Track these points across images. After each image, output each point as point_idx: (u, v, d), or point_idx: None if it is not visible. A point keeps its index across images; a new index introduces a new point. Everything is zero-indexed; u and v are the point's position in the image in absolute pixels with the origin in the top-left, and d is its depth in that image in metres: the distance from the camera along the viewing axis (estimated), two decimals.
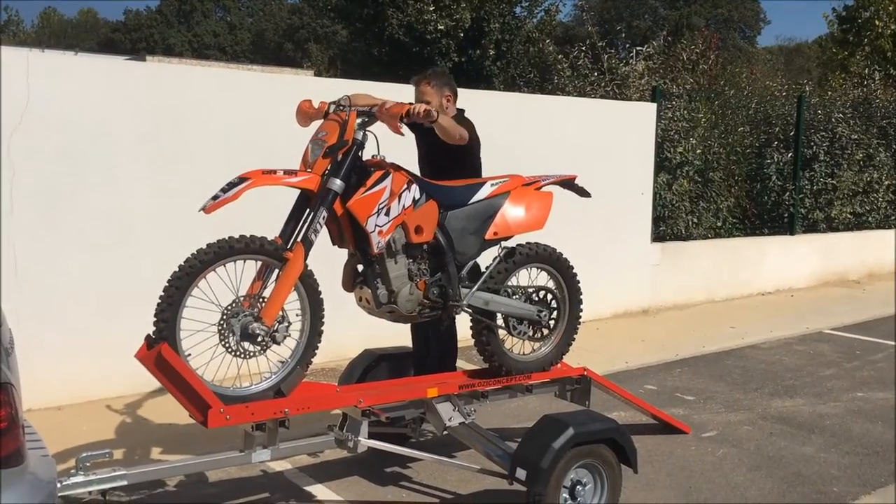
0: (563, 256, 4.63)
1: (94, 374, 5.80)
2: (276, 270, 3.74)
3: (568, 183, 4.79)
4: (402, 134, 3.98)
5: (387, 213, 3.93)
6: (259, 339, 3.63)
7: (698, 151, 9.88)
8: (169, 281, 3.54)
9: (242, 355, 3.66)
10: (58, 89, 5.58)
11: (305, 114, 4.24)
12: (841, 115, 11.66)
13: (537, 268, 4.61)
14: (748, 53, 42.97)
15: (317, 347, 3.89)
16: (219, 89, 6.36)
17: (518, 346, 4.67)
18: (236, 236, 3.63)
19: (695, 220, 10.03)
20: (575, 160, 8.16)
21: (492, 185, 4.39)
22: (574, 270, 4.70)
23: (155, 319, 3.52)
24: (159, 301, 3.52)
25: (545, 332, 4.64)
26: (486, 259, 4.51)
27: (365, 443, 4.02)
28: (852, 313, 9.43)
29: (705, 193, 10.13)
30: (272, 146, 6.52)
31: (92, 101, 5.71)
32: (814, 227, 11.69)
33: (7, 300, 5.42)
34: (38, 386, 5.56)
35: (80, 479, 3.36)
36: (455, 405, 4.37)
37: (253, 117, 6.41)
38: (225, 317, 3.63)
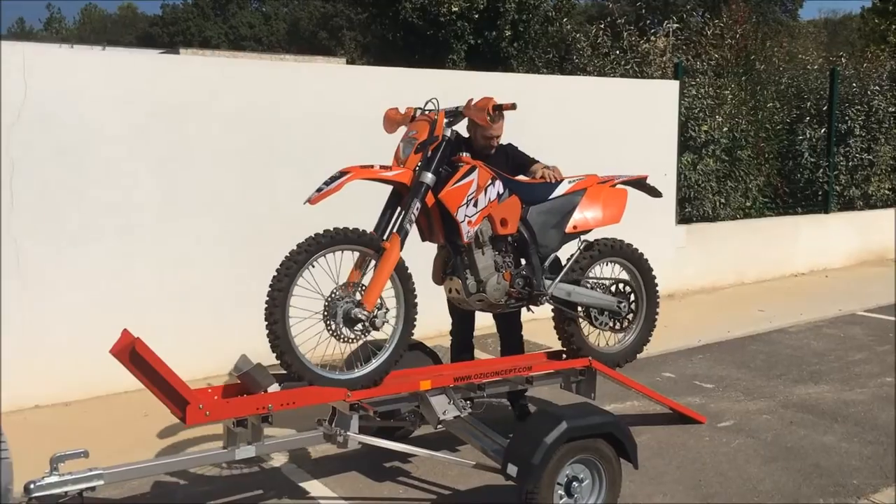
0: (640, 251, 4.87)
1: (103, 369, 5.77)
2: (373, 261, 3.92)
3: (639, 182, 4.98)
4: (490, 124, 4.33)
5: (475, 205, 4.17)
6: (360, 323, 3.80)
7: (725, 129, 9.56)
8: (277, 269, 3.73)
9: (344, 339, 3.85)
10: (55, 83, 5.53)
11: (392, 120, 4.46)
12: (877, 87, 11.20)
13: (614, 262, 4.84)
14: (789, 27, 41.83)
15: (411, 335, 4.05)
16: (222, 79, 6.26)
17: (595, 340, 4.85)
18: (337, 228, 3.84)
19: (722, 200, 9.72)
20: (593, 141, 7.94)
21: (569, 182, 4.65)
22: (650, 265, 4.92)
23: (266, 305, 3.70)
24: (269, 287, 3.71)
25: (625, 323, 4.84)
26: (565, 254, 4.72)
27: (354, 438, 3.90)
28: (889, 294, 9.05)
29: (733, 173, 9.80)
30: (280, 137, 6.45)
31: (91, 94, 5.66)
32: (850, 204, 11.28)
33: (10, 296, 5.42)
34: (46, 381, 5.59)
35: (53, 479, 3.28)
36: (450, 398, 4.24)
37: (257, 107, 6.31)
38: (328, 302, 3.81)
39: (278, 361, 3.79)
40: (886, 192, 11.58)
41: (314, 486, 4.39)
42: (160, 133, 5.94)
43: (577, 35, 10.98)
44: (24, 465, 3.38)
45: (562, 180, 4.67)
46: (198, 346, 6.01)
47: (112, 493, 4.16)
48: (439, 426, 4.22)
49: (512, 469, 3.65)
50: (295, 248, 3.76)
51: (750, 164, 9.98)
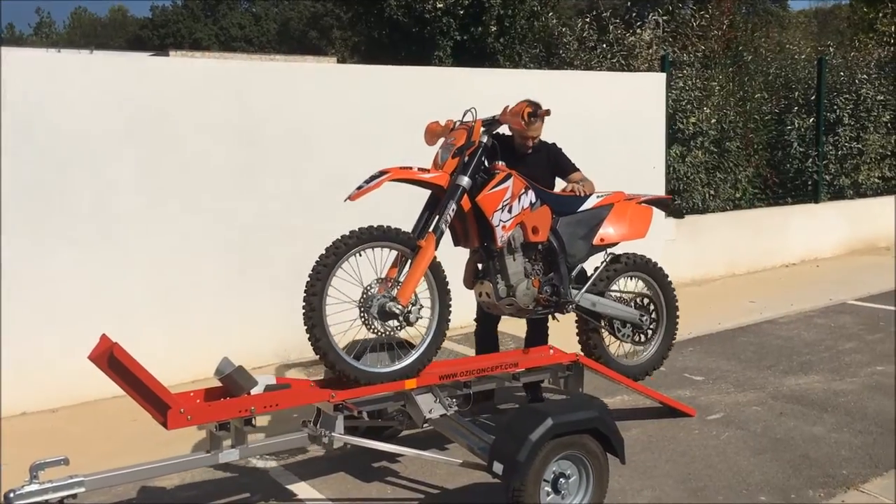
0: (661, 267, 5.09)
1: (89, 375, 5.72)
2: (409, 259, 4.04)
3: (662, 202, 5.23)
4: (526, 128, 4.50)
5: (509, 211, 4.31)
6: (394, 317, 3.90)
7: (713, 121, 9.54)
8: (317, 261, 3.83)
9: (379, 332, 3.96)
10: (37, 86, 5.49)
11: (434, 132, 4.62)
12: (865, 76, 11.19)
13: (637, 277, 5.05)
14: (779, 18, 41.78)
15: (445, 333, 4.16)
16: (206, 80, 6.23)
17: (615, 351, 5.04)
18: (376, 225, 3.95)
19: (711, 192, 9.70)
20: (581, 136, 7.88)
21: (597, 196, 4.85)
22: (670, 281, 5.16)
23: (305, 294, 3.79)
24: (309, 277, 3.81)
25: (646, 337, 5.05)
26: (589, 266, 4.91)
27: (338, 438, 3.88)
28: (880, 282, 9.06)
29: (722, 164, 9.79)
30: (265, 138, 6.41)
31: (73, 97, 5.62)
32: (840, 193, 11.28)
33: None
34: (33, 388, 5.54)
35: (33, 488, 3.25)
36: (437, 396, 4.22)
37: (242, 109, 6.28)
38: (364, 295, 3.92)
39: (311, 343, 3.85)
40: (876, 180, 11.58)
41: (301, 488, 4.36)
42: (144, 135, 5.90)
43: (563, 29, 10.94)
44: (10, 474, 3.35)
45: (590, 194, 4.86)
46: (186, 349, 6.00)
47: (98, 500, 4.13)
48: (425, 425, 4.19)
49: (498, 467, 3.63)
50: (333, 242, 3.87)
51: (739, 156, 9.97)
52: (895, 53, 12.05)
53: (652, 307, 5.09)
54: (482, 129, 4.31)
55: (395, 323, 3.94)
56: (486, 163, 4.37)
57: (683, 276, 9.19)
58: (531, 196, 4.45)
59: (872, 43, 12.66)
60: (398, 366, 4.04)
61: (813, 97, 10.74)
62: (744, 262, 9.83)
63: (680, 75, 9.47)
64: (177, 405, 3.46)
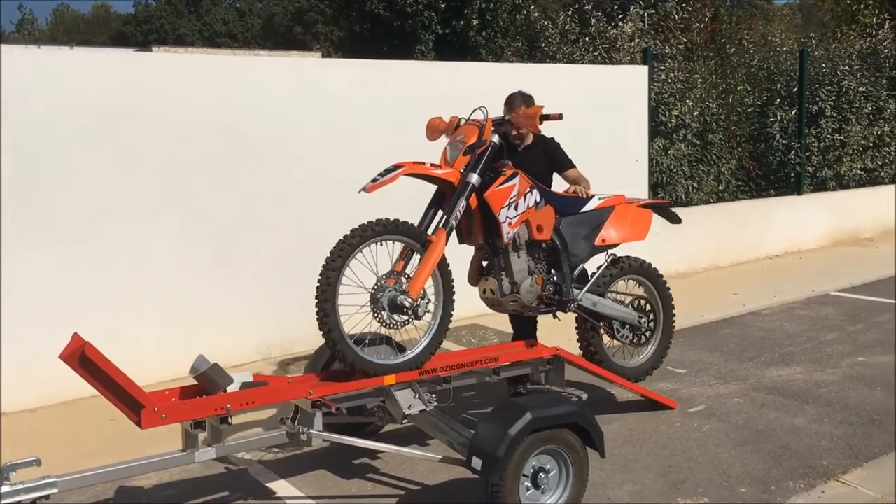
0: (658, 271, 5.24)
1: (68, 374, 5.67)
2: (416, 253, 4.11)
3: (660, 207, 5.31)
4: (540, 131, 4.58)
5: (515, 208, 4.39)
6: (404, 310, 3.93)
7: (696, 113, 9.55)
8: (331, 252, 3.88)
9: (388, 324, 4.00)
10: (12, 83, 5.42)
11: (436, 128, 4.63)
12: (847, 67, 11.22)
13: (635, 280, 5.18)
14: (764, 11, 41.89)
15: (448, 326, 4.23)
16: (184, 75, 6.17)
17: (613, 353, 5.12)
18: (387, 218, 3.99)
19: (695, 184, 9.71)
20: (564, 128, 7.84)
21: (599, 199, 4.96)
22: (668, 285, 5.28)
23: (318, 285, 3.86)
24: (322, 269, 3.87)
25: (644, 339, 5.15)
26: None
27: (317, 435, 3.85)
28: (862, 273, 9.09)
29: (705, 157, 9.80)
30: (244, 134, 6.36)
31: (51, 93, 5.55)
32: (823, 185, 11.31)
33: None
34: (10, 388, 5.48)
35: (5, 489, 3.21)
36: (416, 392, 4.19)
37: (221, 105, 6.23)
38: (375, 288, 3.97)
39: (325, 340, 3.93)
40: (858, 171, 11.62)
41: (281, 486, 4.33)
42: (120, 131, 5.84)
43: (546, 23, 10.92)
44: None
45: (592, 196, 4.96)
46: (167, 347, 5.94)
47: (75, 500, 4.08)
48: (405, 421, 4.16)
49: (476, 462, 3.61)
50: (349, 232, 3.90)
51: (722, 148, 9.98)
52: (877, 45, 12.08)
53: (649, 310, 5.18)
54: (492, 128, 4.37)
55: (404, 316, 3.98)
56: (494, 161, 4.44)
57: (667, 269, 9.12)
58: (536, 195, 4.53)
59: (854, 34, 12.70)
60: (403, 358, 4.10)
61: (795, 89, 10.75)
62: (727, 254, 9.85)
63: (662, 68, 9.46)
64: (151, 404, 3.42)
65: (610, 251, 5.03)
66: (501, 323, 6.76)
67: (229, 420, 3.65)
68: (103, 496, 4.22)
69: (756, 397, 5.38)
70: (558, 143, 5.24)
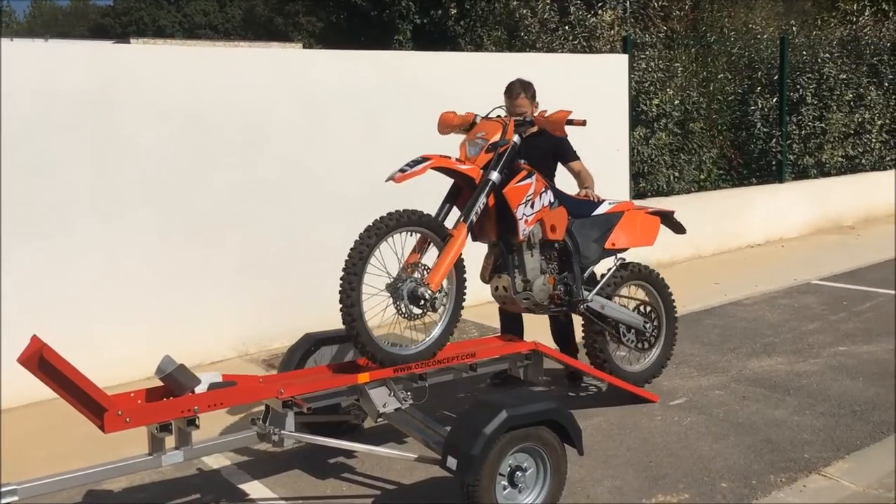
0: (662, 278, 5.30)
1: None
2: (433, 245, 4.12)
3: (666, 215, 5.32)
4: (567, 134, 4.65)
5: (531, 206, 4.43)
6: (422, 302, 3.91)
7: (676, 102, 9.47)
8: (366, 229, 3.86)
9: (407, 316, 3.97)
10: None
11: (449, 123, 4.64)
12: (828, 54, 11.18)
13: (641, 286, 5.24)
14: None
15: (459, 318, 4.23)
16: (154, 67, 6.03)
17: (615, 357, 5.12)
18: (412, 209, 3.99)
19: (676, 173, 9.64)
20: None
21: (609, 203, 5.03)
22: (671, 292, 5.34)
23: (343, 275, 3.79)
24: (354, 244, 3.82)
25: (648, 344, 5.18)
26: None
27: (289, 436, 3.75)
28: (844, 261, 9.07)
29: (686, 146, 9.73)
30: (218, 127, 6.24)
31: (21, 85, 5.41)
32: (804, 173, 11.28)
33: None
34: None
35: None
36: (391, 389, 4.10)
37: (193, 97, 6.10)
38: (394, 279, 3.96)
39: (346, 327, 3.89)
40: (839, 159, 11.60)
41: (254, 488, 4.23)
42: (91, 124, 5.70)
43: (525, 11, 10.80)
44: None
45: (603, 200, 5.03)
46: (140, 345, 5.81)
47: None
48: (380, 420, 4.07)
49: (451, 462, 3.52)
50: (372, 223, 3.88)
51: (703, 137, 9.91)
52: (857, 31, 12.05)
53: (654, 316, 5.22)
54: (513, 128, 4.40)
55: (420, 310, 3.96)
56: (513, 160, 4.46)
57: (649, 259, 9.06)
58: (550, 196, 4.58)
59: (835, 21, 12.67)
60: (416, 349, 4.09)
61: (776, 77, 10.70)
62: (709, 243, 9.80)
63: (643, 56, 9.38)
64: (114, 407, 3.31)
65: (619, 255, 5.08)
66: (481, 316, 6.69)
67: (196, 422, 3.55)
68: (72, 500, 4.10)
69: (737, 389, 5.33)
70: (566, 134, 5.19)
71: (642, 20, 10.18)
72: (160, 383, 3.65)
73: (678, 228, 5.43)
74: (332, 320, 4.93)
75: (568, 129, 4.53)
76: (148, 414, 3.42)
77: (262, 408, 4.01)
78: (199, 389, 3.62)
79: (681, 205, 9.44)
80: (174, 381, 3.56)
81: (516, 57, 9.03)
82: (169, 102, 6.01)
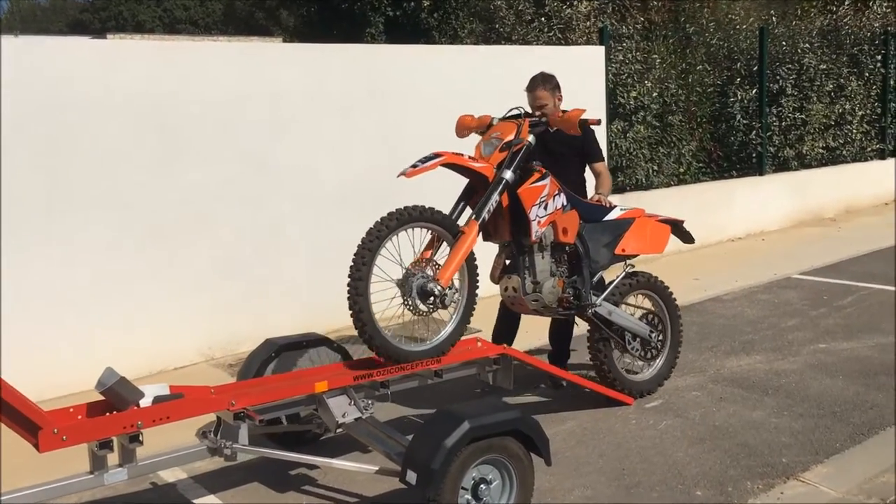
0: (669, 288, 5.26)
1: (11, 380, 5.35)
2: (445, 243, 4.06)
3: (675, 224, 5.24)
4: (580, 132, 4.50)
5: (545, 208, 4.39)
6: (432, 298, 3.84)
7: (655, 94, 9.31)
8: (367, 233, 3.80)
9: (416, 311, 3.91)
10: None
11: (467, 126, 4.64)
12: (808, 45, 11.05)
13: (647, 295, 5.19)
14: None
15: (471, 316, 4.17)
16: (115, 63, 5.81)
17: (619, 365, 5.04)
18: (422, 205, 3.92)
19: (655, 167, 9.49)
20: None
21: (620, 209, 4.99)
22: (677, 303, 5.30)
23: (351, 270, 3.73)
24: (358, 248, 3.77)
25: (652, 354, 5.10)
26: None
27: (242, 450, 3.57)
28: (824, 255, 8.95)
29: (665, 139, 9.57)
30: (180, 125, 6.03)
31: None
32: (785, 165, 11.16)
33: None
34: None
35: None
36: (351, 398, 3.93)
37: (154, 93, 5.89)
38: (405, 274, 3.90)
39: (354, 321, 3.79)
40: (820, 150, 11.49)
41: (209, 502, 4.05)
42: (42, 122, 5.47)
43: (500, 3, 10.59)
44: None
45: (615, 206, 4.99)
46: (100, 353, 5.58)
47: None
48: (339, 430, 3.89)
49: (411, 475, 3.35)
50: (386, 215, 3.83)
51: (682, 129, 9.76)
52: (837, 21, 11.93)
53: (659, 325, 5.15)
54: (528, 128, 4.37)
55: (430, 307, 3.91)
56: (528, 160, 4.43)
57: None
58: (563, 198, 4.55)
59: (815, 11, 12.54)
60: (428, 345, 4.04)
61: (756, 68, 10.56)
62: None
63: (620, 48, 9.21)
64: (49, 425, 3.11)
65: (628, 262, 5.03)
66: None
67: (140, 438, 3.35)
68: None
69: (714, 390, 5.18)
70: (592, 131, 5.16)
71: (619, 11, 10.00)
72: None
73: (687, 238, 5.36)
74: (304, 322, 4.77)
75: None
76: (87, 431, 3.22)
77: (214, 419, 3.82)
78: (144, 403, 3.42)
79: (660, 199, 9.34)
80: (116, 395, 3.35)
81: (492, 50, 8.83)
82: (128, 99, 5.80)
